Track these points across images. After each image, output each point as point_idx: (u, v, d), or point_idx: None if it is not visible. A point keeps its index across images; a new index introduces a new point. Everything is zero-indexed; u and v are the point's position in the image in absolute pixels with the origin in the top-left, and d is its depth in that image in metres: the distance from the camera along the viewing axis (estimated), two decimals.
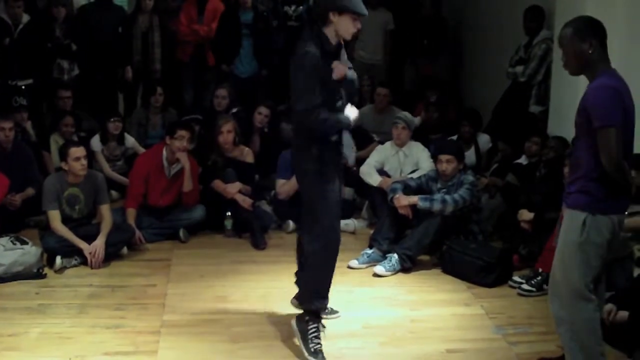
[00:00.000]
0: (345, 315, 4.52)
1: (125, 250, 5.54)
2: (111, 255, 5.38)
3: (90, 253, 5.24)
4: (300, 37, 3.96)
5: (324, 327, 4.18)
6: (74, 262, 5.27)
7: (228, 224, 6.04)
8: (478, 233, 5.59)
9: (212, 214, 6.05)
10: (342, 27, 3.87)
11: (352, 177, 6.37)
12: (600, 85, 3.29)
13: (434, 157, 5.75)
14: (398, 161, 6.31)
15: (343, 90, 3.98)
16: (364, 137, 7.12)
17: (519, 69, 6.82)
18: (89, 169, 5.55)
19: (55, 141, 6.84)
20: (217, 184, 6.11)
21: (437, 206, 5.33)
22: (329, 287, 4.13)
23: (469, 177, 5.53)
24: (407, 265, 5.29)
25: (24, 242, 5.17)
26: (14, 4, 7.10)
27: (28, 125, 6.82)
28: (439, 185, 5.59)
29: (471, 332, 4.39)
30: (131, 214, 5.81)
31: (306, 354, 3.97)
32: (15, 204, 5.91)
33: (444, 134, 7.10)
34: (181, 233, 5.89)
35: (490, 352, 4.15)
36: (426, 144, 6.50)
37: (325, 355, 3.97)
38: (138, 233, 5.68)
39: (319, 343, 4.00)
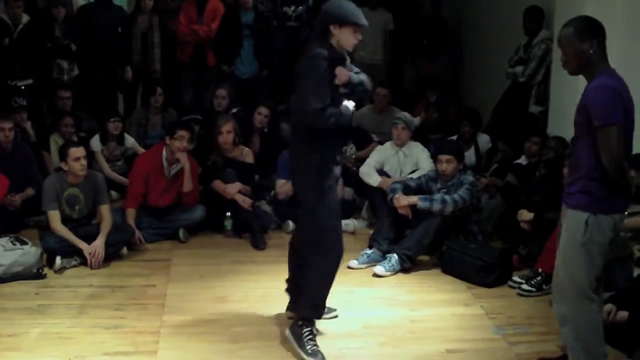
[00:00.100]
0: (345, 316, 4.52)
1: (125, 250, 5.54)
2: (111, 255, 5.38)
3: (90, 253, 5.24)
4: (309, 40, 3.96)
5: (317, 331, 4.16)
6: (73, 262, 5.27)
7: (228, 224, 6.04)
8: (478, 233, 5.59)
9: (212, 214, 6.05)
10: (343, 39, 3.89)
11: (352, 177, 6.38)
12: (601, 85, 3.29)
13: (434, 157, 5.75)
14: (398, 161, 6.31)
15: (347, 94, 3.98)
16: (364, 138, 7.12)
17: (519, 69, 6.82)
18: (88, 169, 5.55)
19: (55, 141, 6.84)
20: (217, 184, 6.11)
21: (436, 206, 5.33)
22: (326, 297, 4.12)
23: (469, 177, 5.53)
24: (407, 266, 5.29)
25: (23, 243, 5.17)
26: (13, 4, 7.09)
27: (28, 125, 6.82)
28: (438, 186, 5.59)
29: (471, 332, 4.39)
30: (131, 214, 5.81)
31: (304, 355, 3.96)
32: (15, 204, 5.90)
33: (443, 134, 7.10)
34: (181, 233, 5.89)
35: (490, 352, 4.15)
36: (426, 144, 6.50)
37: (325, 355, 3.97)
38: (138, 233, 5.68)
39: (315, 344, 3.99)
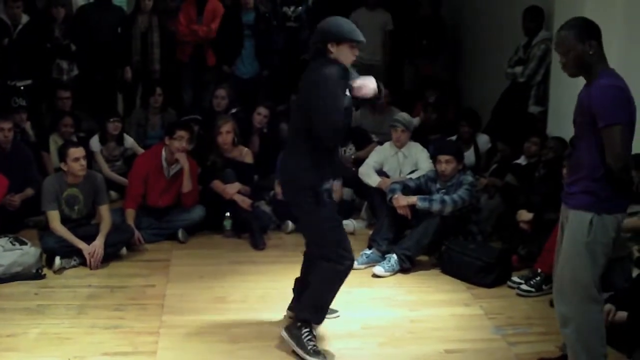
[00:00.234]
0: (344, 316, 4.52)
1: (124, 250, 5.54)
2: (110, 255, 5.38)
3: (89, 253, 5.24)
4: (313, 60, 3.94)
5: (316, 332, 4.14)
6: (73, 262, 5.27)
7: (227, 224, 6.04)
8: (477, 233, 5.59)
9: (211, 215, 6.06)
10: (341, 56, 3.88)
11: (351, 178, 6.38)
12: (605, 85, 3.28)
13: (433, 158, 5.75)
14: (397, 162, 6.31)
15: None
16: (363, 138, 7.12)
17: (518, 69, 6.81)
18: (88, 169, 5.55)
19: (55, 141, 6.83)
20: (216, 184, 6.11)
21: (436, 206, 5.33)
22: (330, 303, 4.09)
23: (468, 178, 5.53)
24: (406, 266, 5.29)
25: (23, 243, 5.17)
26: (13, 4, 7.09)
27: (27, 125, 6.81)
28: (438, 186, 5.59)
29: (470, 333, 4.39)
30: (130, 214, 5.81)
31: (306, 356, 3.94)
32: (15, 204, 5.90)
33: (443, 134, 7.09)
34: (180, 233, 5.89)
35: (489, 352, 4.15)
36: (425, 145, 6.49)
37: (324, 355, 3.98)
38: (137, 233, 5.68)
39: (315, 344, 3.98)
